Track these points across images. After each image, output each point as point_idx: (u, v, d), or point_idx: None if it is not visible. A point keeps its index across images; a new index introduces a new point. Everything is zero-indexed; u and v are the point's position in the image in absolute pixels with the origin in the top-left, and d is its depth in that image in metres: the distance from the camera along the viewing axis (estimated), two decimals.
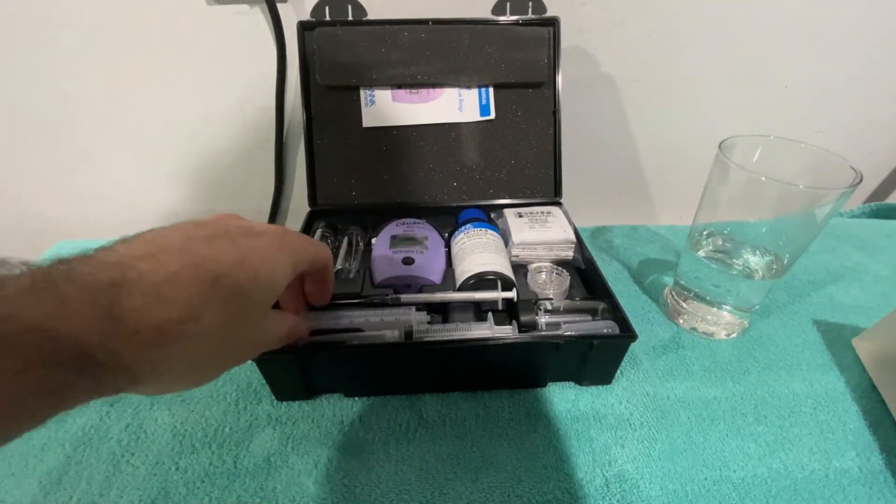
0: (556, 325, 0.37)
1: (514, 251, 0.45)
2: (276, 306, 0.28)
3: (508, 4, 0.49)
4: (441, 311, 0.39)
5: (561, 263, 0.45)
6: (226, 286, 0.20)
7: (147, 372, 0.18)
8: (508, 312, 0.40)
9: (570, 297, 0.42)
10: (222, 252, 0.21)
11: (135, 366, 0.18)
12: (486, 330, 0.35)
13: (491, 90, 0.51)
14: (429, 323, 0.36)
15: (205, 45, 0.53)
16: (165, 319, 0.18)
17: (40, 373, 0.15)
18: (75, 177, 0.61)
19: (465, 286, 0.39)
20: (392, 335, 0.35)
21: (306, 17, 0.47)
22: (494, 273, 0.39)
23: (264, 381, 0.36)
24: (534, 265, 0.45)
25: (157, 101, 0.56)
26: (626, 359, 0.38)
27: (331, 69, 0.48)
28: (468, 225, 0.45)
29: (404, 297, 0.38)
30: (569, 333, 0.35)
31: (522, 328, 0.36)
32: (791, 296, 0.49)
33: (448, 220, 0.49)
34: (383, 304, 0.38)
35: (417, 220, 0.48)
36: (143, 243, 0.20)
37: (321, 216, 0.50)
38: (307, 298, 0.33)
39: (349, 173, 0.51)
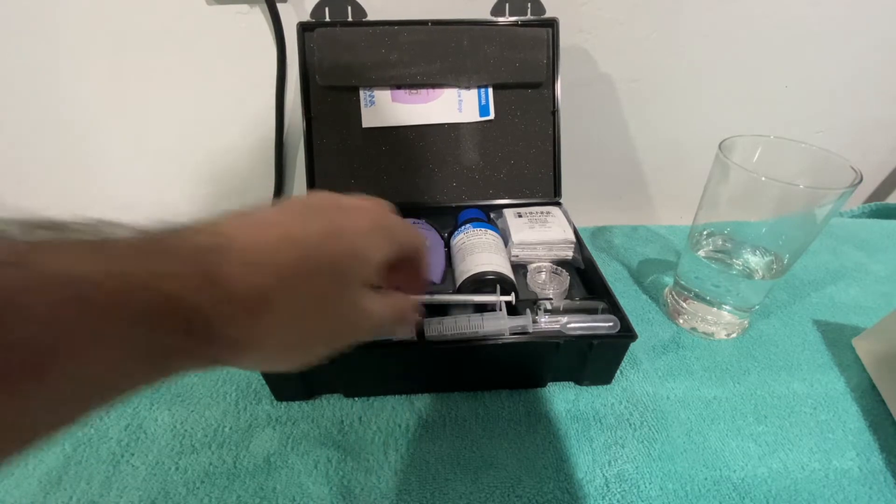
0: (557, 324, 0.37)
1: (514, 251, 0.45)
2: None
3: (507, 5, 0.49)
4: (440, 312, 0.39)
5: (561, 263, 0.45)
6: (318, 258, 0.20)
7: (244, 340, 0.18)
8: (508, 313, 0.40)
9: (569, 297, 0.42)
10: (316, 226, 0.21)
11: (233, 333, 0.17)
12: (502, 321, 0.35)
13: (490, 90, 0.51)
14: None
15: (205, 45, 0.53)
16: (260, 286, 0.18)
17: (147, 333, 0.15)
18: (75, 177, 0.61)
19: (464, 286, 0.39)
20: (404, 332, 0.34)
21: (306, 17, 0.48)
22: (494, 273, 0.39)
23: (264, 381, 0.36)
24: (533, 265, 0.45)
25: (157, 101, 0.56)
26: (626, 359, 0.38)
27: (330, 70, 0.48)
28: (468, 225, 0.45)
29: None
30: (572, 325, 0.35)
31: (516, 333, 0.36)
32: (791, 296, 0.49)
33: (448, 220, 0.49)
34: None
35: (417, 220, 0.48)
36: (236, 217, 0.19)
37: None
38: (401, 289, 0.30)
39: (349, 173, 0.51)
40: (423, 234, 0.28)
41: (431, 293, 0.39)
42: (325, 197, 0.24)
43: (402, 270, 0.26)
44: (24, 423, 0.13)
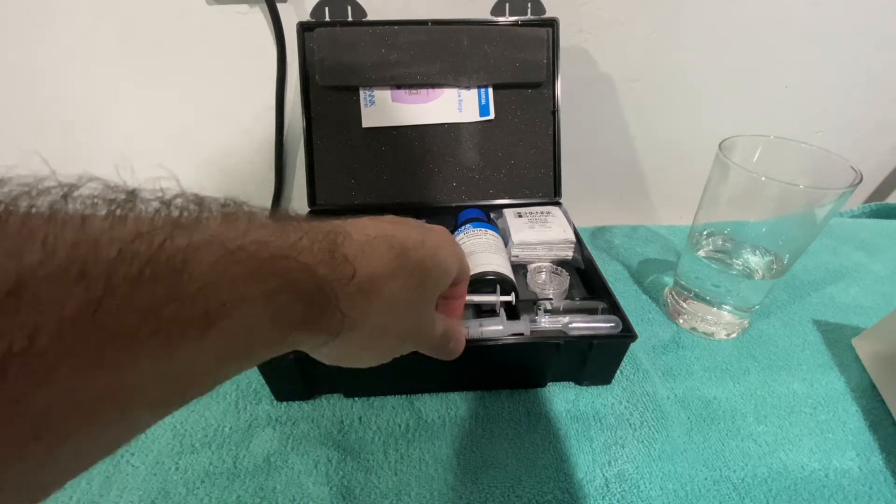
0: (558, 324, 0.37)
1: (514, 251, 0.45)
2: None
3: (507, 5, 0.49)
4: None
5: (561, 263, 0.45)
6: (412, 258, 0.22)
7: (351, 318, 0.19)
8: (508, 314, 0.40)
9: (569, 297, 0.42)
10: (407, 231, 0.23)
11: (346, 308, 0.19)
12: (499, 325, 0.35)
13: (490, 90, 0.51)
14: None
15: (205, 45, 0.53)
16: (373, 271, 0.20)
17: (283, 298, 0.16)
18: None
19: None
20: None
21: (306, 17, 0.48)
22: (494, 273, 0.39)
23: (264, 382, 0.36)
24: (533, 265, 0.45)
25: (157, 100, 0.56)
26: (626, 359, 0.38)
27: (330, 70, 0.48)
28: (468, 225, 0.45)
29: None
30: (573, 325, 0.35)
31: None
32: (791, 296, 0.49)
33: (448, 220, 0.49)
34: None
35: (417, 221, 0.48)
36: (336, 219, 0.21)
37: (321, 216, 0.50)
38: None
39: (349, 173, 0.51)
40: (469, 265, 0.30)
41: None
42: (407, 218, 0.26)
43: (449, 293, 0.29)
44: (187, 375, 0.14)
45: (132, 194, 0.14)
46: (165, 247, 0.12)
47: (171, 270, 0.12)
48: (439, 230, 0.27)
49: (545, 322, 0.37)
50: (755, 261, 0.40)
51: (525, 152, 0.52)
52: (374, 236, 0.21)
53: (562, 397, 0.37)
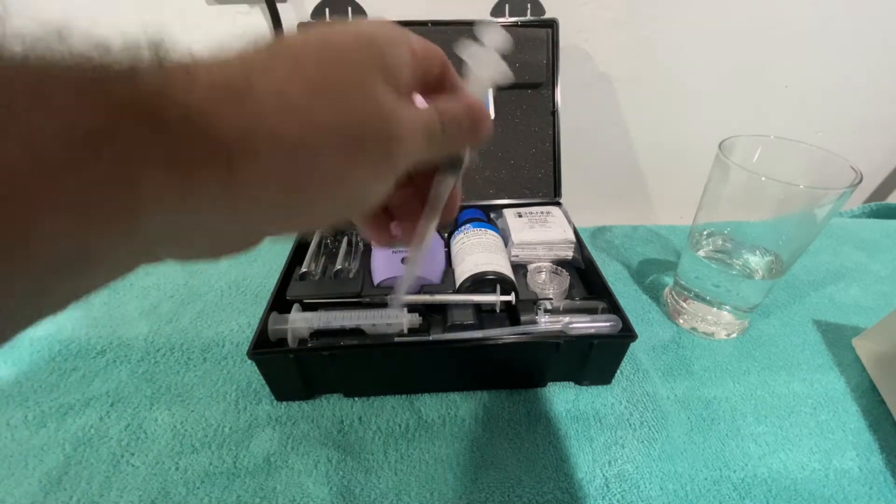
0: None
1: (514, 251, 0.45)
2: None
3: (507, 6, 0.49)
4: (441, 312, 0.39)
5: (561, 263, 0.45)
6: (308, 37, 0.15)
7: (244, 132, 0.13)
8: (508, 314, 0.40)
9: (569, 297, 0.42)
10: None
11: (223, 126, 0.12)
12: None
13: (490, 91, 0.51)
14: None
15: (205, 46, 0.53)
16: (233, 61, 0.14)
17: (98, 113, 0.11)
18: None
19: (464, 286, 0.39)
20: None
21: (306, 17, 0.48)
22: (494, 273, 0.39)
23: (264, 382, 0.36)
24: (533, 265, 0.45)
25: None
26: (626, 359, 0.38)
27: None
28: (468, 225, 0.45)
29: (404, 298, 0.38)
30: (574, 325, 0.35)
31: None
32: (791, 296, 0.49)
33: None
34: (382, 305, 0.38)
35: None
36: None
37: None
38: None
39: None
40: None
41: (431, 293, 0.39)
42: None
43: (438, 86, 0.19)
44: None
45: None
46: None
47: None
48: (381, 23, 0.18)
49: (545, 322, 0.37)
50: (755, 261, 0.40)
51: (525, 152, 0.52)
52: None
53: (562, 397, 0.37)
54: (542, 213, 0.48)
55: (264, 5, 0.50)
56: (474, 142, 0.20)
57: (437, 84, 0.19)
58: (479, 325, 0.38)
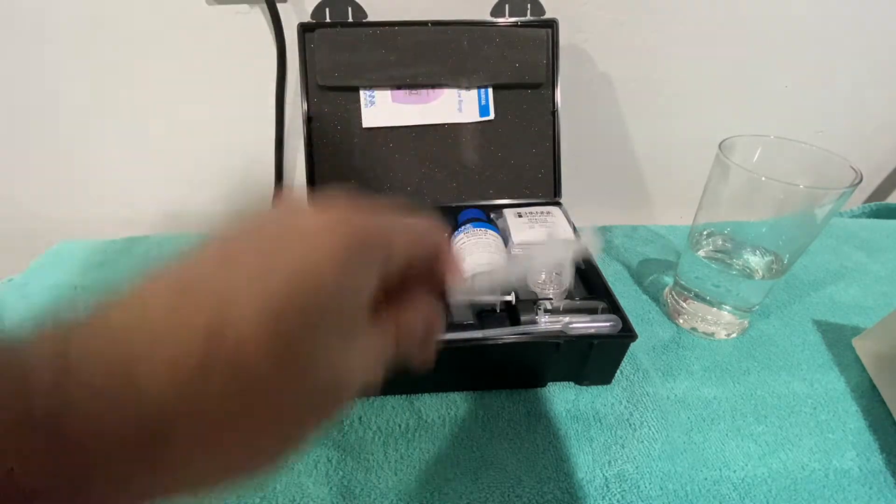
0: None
1: (514, 251, 0.45)
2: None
3: (507, 6, 0.49)
4: None
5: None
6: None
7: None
8: (508, 314, 0.40)
9: (570, 297, 0.42)
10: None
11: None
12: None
13: (490, 91, 0.51)
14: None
15: (205, 46, 0.53)
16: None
17: None
18: (75, 177, 0.61)
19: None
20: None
21: (306, 17, 0.48)
22: None
23: None
24: None
25: (157, 100, 0.56)
26: (626, 359, 0.38)
27: (331, 70, 0.48)
28: (468, 225, 0.45)
29: None
30: (574, 325, 0.35)
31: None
32: (791, 296, 0.49)
33: (448, 221, 0.49)
34: None
35: None
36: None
37: None
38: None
39: (349, 173, 0.51)
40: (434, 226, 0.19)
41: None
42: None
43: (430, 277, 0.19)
44: None
45: None
46: None
47: None
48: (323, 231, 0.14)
49: (545, 322, 0.37)
50: (755, 261, 0.40)
51: (525, 152, 0.52)
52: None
53: (562, 397, 0.37)
54: (542, 213, 0.48)
55: (264, 5, 0.50)
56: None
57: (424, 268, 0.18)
58: (479, 325, 0.38)
